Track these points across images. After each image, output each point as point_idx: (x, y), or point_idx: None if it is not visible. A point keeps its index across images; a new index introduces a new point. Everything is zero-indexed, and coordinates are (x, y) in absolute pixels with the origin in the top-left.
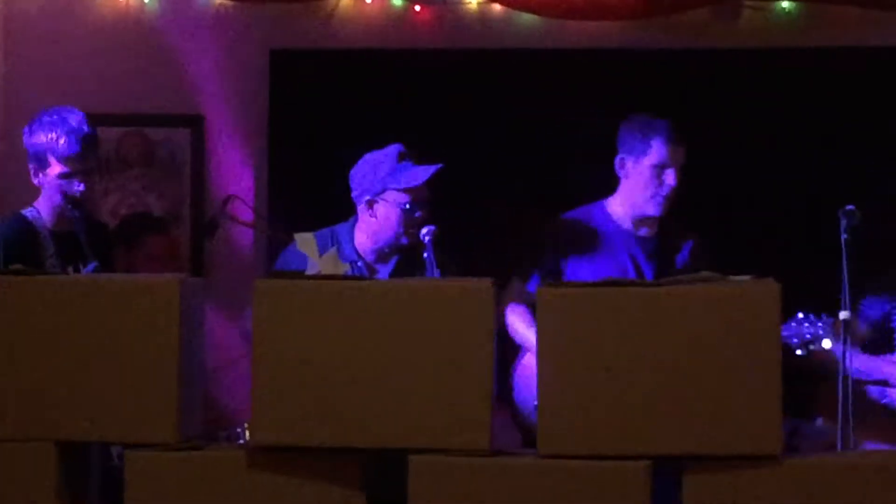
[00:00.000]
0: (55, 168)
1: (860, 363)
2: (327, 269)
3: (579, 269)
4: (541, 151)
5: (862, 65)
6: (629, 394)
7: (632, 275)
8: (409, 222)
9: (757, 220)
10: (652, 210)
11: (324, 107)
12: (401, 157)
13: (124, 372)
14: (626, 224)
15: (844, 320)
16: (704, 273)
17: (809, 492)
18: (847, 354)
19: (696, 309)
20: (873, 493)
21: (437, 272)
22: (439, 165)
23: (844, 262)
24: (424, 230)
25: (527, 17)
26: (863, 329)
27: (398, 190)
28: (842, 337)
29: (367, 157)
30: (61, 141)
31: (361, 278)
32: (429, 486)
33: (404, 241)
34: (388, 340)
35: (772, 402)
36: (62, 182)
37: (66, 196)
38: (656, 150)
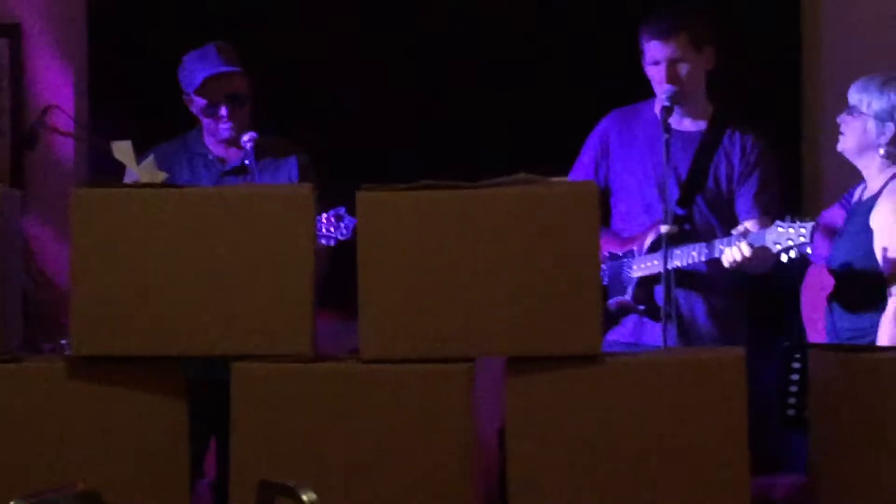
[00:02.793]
0: None
1: None
2: (145, 178)
3: (623, 163)
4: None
5: None
6: (450, 297)
7: (668, 170)
8: (217, 120)
9: None
10: (659, 108)
11: (144, 14)
12: (198, 57)
13: None
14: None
15: (667, 233)
16: (522, 175)
17: (630, 390)
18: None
19: (514, 211)
20: (691, 387)
21: (259, 178)
22: (226, 68)
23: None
24: (246, 137)
25: None
26: None
27: (191, 92)
28: (663, 248)
29: (184, 57)
30: None
31: (178, 186)
32: (251, 393)
33: (225, 135)
34: (208, 248)
35: (592, 302)
36: None
37: None
38: (646, 49)
